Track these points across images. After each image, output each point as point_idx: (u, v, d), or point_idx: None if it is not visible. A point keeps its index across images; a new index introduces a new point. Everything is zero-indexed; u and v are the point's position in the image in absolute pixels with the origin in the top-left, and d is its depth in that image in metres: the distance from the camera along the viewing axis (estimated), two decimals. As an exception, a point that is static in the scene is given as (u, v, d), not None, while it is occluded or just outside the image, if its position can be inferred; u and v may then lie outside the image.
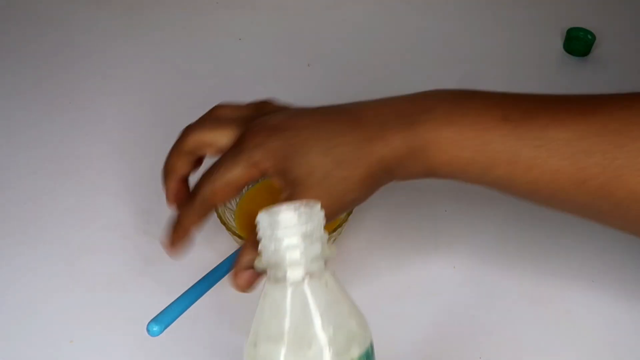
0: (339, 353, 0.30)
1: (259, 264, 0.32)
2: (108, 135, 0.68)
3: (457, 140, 0.40)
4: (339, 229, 0.49)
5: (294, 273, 0.30)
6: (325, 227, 0.32)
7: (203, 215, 0.45)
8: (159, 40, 0.80)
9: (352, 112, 0.44)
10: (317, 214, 0.31)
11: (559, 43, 0.78)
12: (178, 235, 0.46)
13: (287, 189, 0.42)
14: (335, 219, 0.50)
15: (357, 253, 0.56)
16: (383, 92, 0.75)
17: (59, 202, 0.61)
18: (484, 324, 0.51)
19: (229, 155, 0.43)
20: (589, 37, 0.76)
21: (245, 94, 0.73)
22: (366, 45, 0.79)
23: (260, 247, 0.32)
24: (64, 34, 0.80)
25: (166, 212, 0.60)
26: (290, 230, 0.30)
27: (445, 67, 0.76)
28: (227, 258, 0.48)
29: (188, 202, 0.45)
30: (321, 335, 0.30)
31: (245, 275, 0.41)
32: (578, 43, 0.77)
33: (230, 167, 0.43)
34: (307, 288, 0.30)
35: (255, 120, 0.44)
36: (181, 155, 0.47)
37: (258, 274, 0.41)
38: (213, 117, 0.48)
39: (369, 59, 0.77)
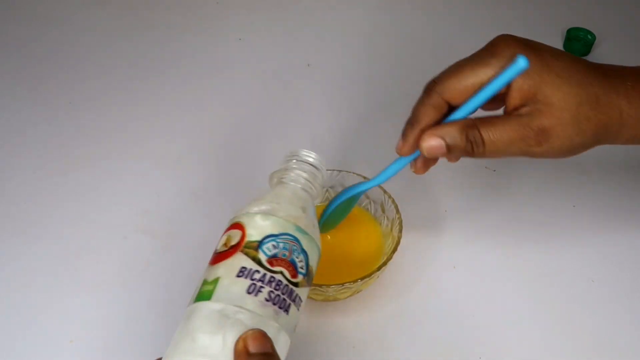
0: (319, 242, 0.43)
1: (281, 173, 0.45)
2: (108, 135, 0.68)
3: None
4: (383, 268, 0.50)
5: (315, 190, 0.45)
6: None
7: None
8: (159, 40, 0.80)
9: (598, 66, 0.45)
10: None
11: (559, 43, 0.78)
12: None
13: (531, 105, 0.42)
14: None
15: (357, 253, 0.56)
16: (383, 91, 0.76)
17: (59, 202, 0.61)
18: (484, 324, 0.51)
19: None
20: (589, 37, 0.76)
21: (246, 94, 0.74)
22: (366, 45, 0.79)
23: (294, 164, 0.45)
24: (64, 34, 0.80)
25: (166, 212, 0.60)
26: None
27: (445, 66, 0.75)
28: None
29: None
30: (317, 227, 0.43)
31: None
32: (578, 43, 0.77)
33: (483, 67, 0.43)
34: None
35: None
36: (427, 107, 0.45)
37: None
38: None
39: (368, 59, 0.77)
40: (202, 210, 0.60)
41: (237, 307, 0.36)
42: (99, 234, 0.58)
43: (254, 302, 0.36)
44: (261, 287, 0.37)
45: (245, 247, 0.39)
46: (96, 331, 0.51)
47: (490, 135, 0.42)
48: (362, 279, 0.48)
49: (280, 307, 0.37)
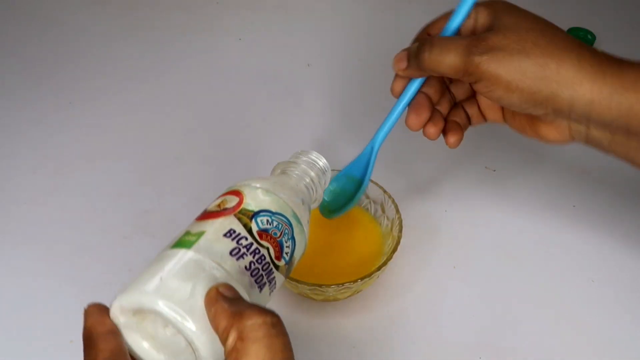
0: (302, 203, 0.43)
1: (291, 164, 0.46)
2: (108, 135, 0.68)
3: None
4: (383, 268, 0.50)
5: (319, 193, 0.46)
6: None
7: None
8: (159, 40, 0.80)
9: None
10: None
11: (559, 43, 0.78)
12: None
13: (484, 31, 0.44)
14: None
15: (357, 253, 0.56)
16: (383, 91, 0.76)
17: (59, 202, 0.61)
18: (484, 324, 0.51)
19: None
20: (589, 37, 0.76)
21: (246, 94, 0.74)
22: (366, 45, 0.79)
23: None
24: (64, 34, 0.80)
25: (166, 212, 0.60)
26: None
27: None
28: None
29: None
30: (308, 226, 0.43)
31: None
32: (578, 43, 0.77)
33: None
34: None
35: None
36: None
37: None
38: None
39: (368, 59, 0.77)
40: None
41: (216, 264, 0.34)
42: (99, 234, 0.58)
43: (234, 265, 0.35)
44: (244, 253, 0.36)
45: (240, 212, 0.38)
46: (96, 331, 0.51)
47: (439, 41, 0.44)
48: (362, 279, 0.48)
49: (256, 281, 0.36)
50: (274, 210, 0.39)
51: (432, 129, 0.48)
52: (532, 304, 0.53)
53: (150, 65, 0.76)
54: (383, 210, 0.55)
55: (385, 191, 0.55)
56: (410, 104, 0.48)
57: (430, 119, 0.48)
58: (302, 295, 0.52)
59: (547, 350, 0.50)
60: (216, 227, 0.37)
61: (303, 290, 0.49)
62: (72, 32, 0.81)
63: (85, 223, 0.59)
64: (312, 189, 0.45)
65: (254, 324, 0.29)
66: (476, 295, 0.54)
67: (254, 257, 0.37)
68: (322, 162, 0.46)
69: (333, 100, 0.72)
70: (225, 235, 0.36)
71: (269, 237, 0.38)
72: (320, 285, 0.48)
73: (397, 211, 0.53)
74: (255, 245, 0.37)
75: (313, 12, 0.84)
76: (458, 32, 0.46)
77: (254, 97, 0.73)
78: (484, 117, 0.50)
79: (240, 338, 0.29)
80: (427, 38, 0.46)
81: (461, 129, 0.50)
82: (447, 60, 0.43)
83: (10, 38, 0.80)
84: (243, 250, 0.36)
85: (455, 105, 0.51)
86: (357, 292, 0.52)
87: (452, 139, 0.49)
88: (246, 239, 0.37)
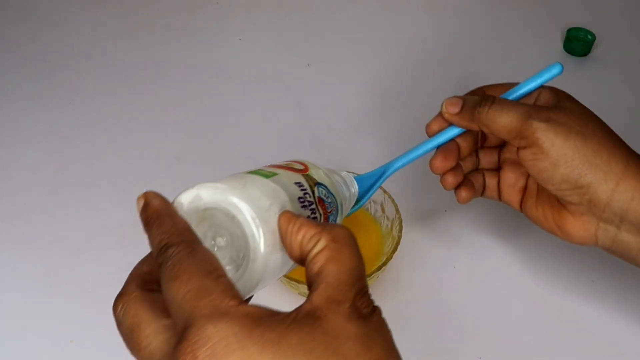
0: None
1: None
2: (108, 135, 0.68)
3: None
4: (383, 268, 0.50)
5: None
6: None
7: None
8: (159, 40, 0.80)
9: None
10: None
11: (559, 43, 0.78)
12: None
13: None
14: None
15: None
16: (383, 91, 0.75)
17: (59, 202, 0.61)
18: (484, 324, 0.51)
19: None
20: (589, 37, 0.76)
21: (246, 94, 0.74)
22: (366, 45, 0.79)
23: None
24: (64, 34, 0.80)
25: (166, 212, 0.60)
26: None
27: (445, 66, 0.76)
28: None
29: None
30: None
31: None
32: (578, 43, 0.77)
33: None
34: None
35: None
36: None
37: None
38: None
39: (368, 59, 0.77)
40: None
41: (289, 199, 0.35)
42: (98, 234, 0.58)
43: (299, 210, 0.36)
44: (306, 206, 0.37)
45: (307, 176, 0.39)
46: (96, 331, 0.51)
47: (502, 100, 0.45)
48: (362, 278, 0.48)
49: None
50: (330, 190, 0.40)
51: (450, 179, 0.48)
52: (532, 303, 0.53)
53: (150, 65, 0.76)
54: (383, 210, 0.55)
55: (385, 191, 0.55)
56: (441, 147, 0.48)
57: (452, 169, 0.48)
58: (302, 296, 0.52)
59: (547, 351, 0.50)
60: (288, 175, 0.38)
61: (303, 290, 0.49)
62: (72, 32, 0.81)
63: (85, 223, 0.59)
64: (343, 203, 0.45)
65: (345, 232, 0.31)
66: (476, 295, 0.53)
67: (312, 213, 0.37)
68: (354, 189, 0.47)
69: (333, 100, 0.72)
70: (295, 183, 0.37)
71: (324, 207, 0.39)
72: None
73: (397, 211, 0.53)
74: (314, 206, 0.38)
75: (313, 12, 0.84)
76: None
77: (254, 97, 0.73)
78: (499, 195, 0.50)
79: (334, 240, 0.30)
80: (488, 95, 0.46)
81: (474, 189, 0.50)
82: (505, 119, 0.43)
83: (10, 38, 0.80)
84: (307, 202, 0.37)
85: (477, 170, 0.51)
86: (357, 292, 0.52)
87: (464, 193, 0.49)
88: (310, 196, 0.38)
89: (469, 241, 0.57)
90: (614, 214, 0.42)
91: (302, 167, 0.40)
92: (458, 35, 0.80)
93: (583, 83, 0.74)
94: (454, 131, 0.48)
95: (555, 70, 0.46)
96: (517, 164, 0.48)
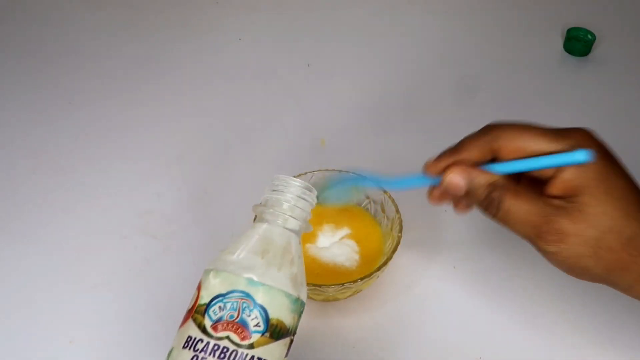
0: (294, 286, 0.39)
1: (257, 208, 0.41)
2: (108, 135, 0.68)
3: None
4: (383, 268, 0.50)
5: (290, 223, 0.40)
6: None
7: None
8: (159, 40, 0.80)
9: None
10: (312, 197, 0.42)
11: (559, 43, 0.78)
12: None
13: (565, 202, 0.40)
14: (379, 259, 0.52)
15: (357, 253, 0.56)
16: (383, 91, 0.75)
17: (59, 202, 0.61)
18: (484, 324, 0.51)
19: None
20: (589, 37, 0.76)
21: (246, 94, 0.74)
22: (366, 45, 0.79)
23: (267, 196, 0.41)
24: (64, 34, 0.80)
25: (166, 212, 0.60)
26: (294, 192, 0.41)
27: (445, 66, 0.76)
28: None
29: None
30: (288, 269, 0.39)
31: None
32: (578, 43, 0.77)
33: (547, 141, 0.40)
34: (292, 235, 0.41)
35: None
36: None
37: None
38: None
39: (368, 59, 0.77)
40: (202, 211, 0.60)
41: None
42: (99, 234, 0.58)
43: None
44: (203, 358, 0.35)
45: (196, 312, 0.37)
46: (96, 331, 0.51)
47: (511, 205, 0.40)
48: (362, 279, 0.48)
49: None
50: (224, 291, 0.37)
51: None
52: (531, 304, 0.53)
53: (150, 65, 0.76)
54: (383, 210, 0.55)
55: (385, 191, 0.55)
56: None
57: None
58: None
59: (547, 351, 0.50)
60: (179, 339, 0.37)
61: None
62: (72, 32, 0.81)
63: (85, 223, 0.59)
64: (292, 218, 0.41)
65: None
66: (476, 295, 0.53)
67: (214, 355, 0.35)
68: (297, 182, 0.41)
69: (333, 100, 0.72)
70: (184, 346, 0.36)
71: (224, 324, 0.36)
72: (320, 285, 0.48)
73: (397, 211, 0.53)
74: (212, 343, 0.35)
75: (313, 12, 0.84)
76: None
77: (254, 97, 0.73)
78: None
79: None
80: (495, 193, 0.41)
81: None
82: (512, 229, 0.41)
83: (10, 38, 0.80)
84: (201, 355, 0.35)
85: None
86: (357, 292, 0.52)
87: (463, 206, 0.46)
88: (202, 340, 0.36)
89: (469, 241, 0.57)
90: (633, 296, 0.42)
91: (195, 299, 0.38)
92: (458, 35, 0.80)
93: (583, 83, 0.74)
94: None
95: (580, 157, 0.39)
96: (537, 181, 0.43)
